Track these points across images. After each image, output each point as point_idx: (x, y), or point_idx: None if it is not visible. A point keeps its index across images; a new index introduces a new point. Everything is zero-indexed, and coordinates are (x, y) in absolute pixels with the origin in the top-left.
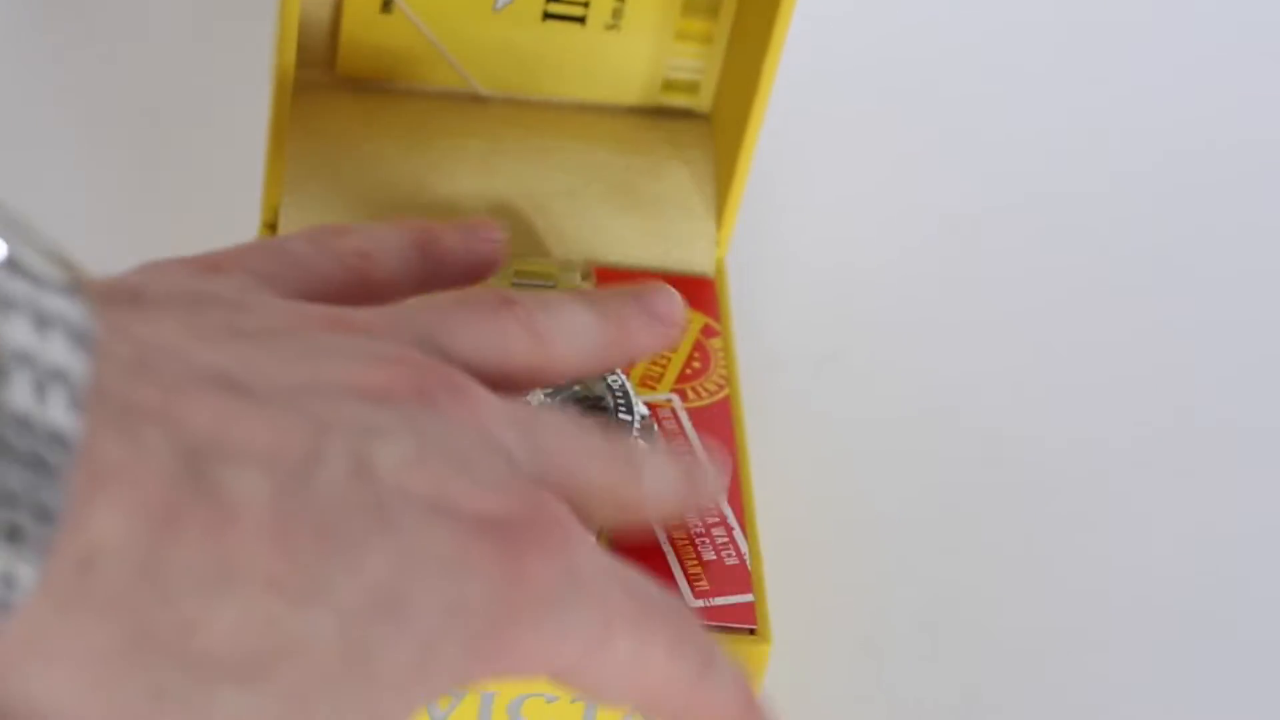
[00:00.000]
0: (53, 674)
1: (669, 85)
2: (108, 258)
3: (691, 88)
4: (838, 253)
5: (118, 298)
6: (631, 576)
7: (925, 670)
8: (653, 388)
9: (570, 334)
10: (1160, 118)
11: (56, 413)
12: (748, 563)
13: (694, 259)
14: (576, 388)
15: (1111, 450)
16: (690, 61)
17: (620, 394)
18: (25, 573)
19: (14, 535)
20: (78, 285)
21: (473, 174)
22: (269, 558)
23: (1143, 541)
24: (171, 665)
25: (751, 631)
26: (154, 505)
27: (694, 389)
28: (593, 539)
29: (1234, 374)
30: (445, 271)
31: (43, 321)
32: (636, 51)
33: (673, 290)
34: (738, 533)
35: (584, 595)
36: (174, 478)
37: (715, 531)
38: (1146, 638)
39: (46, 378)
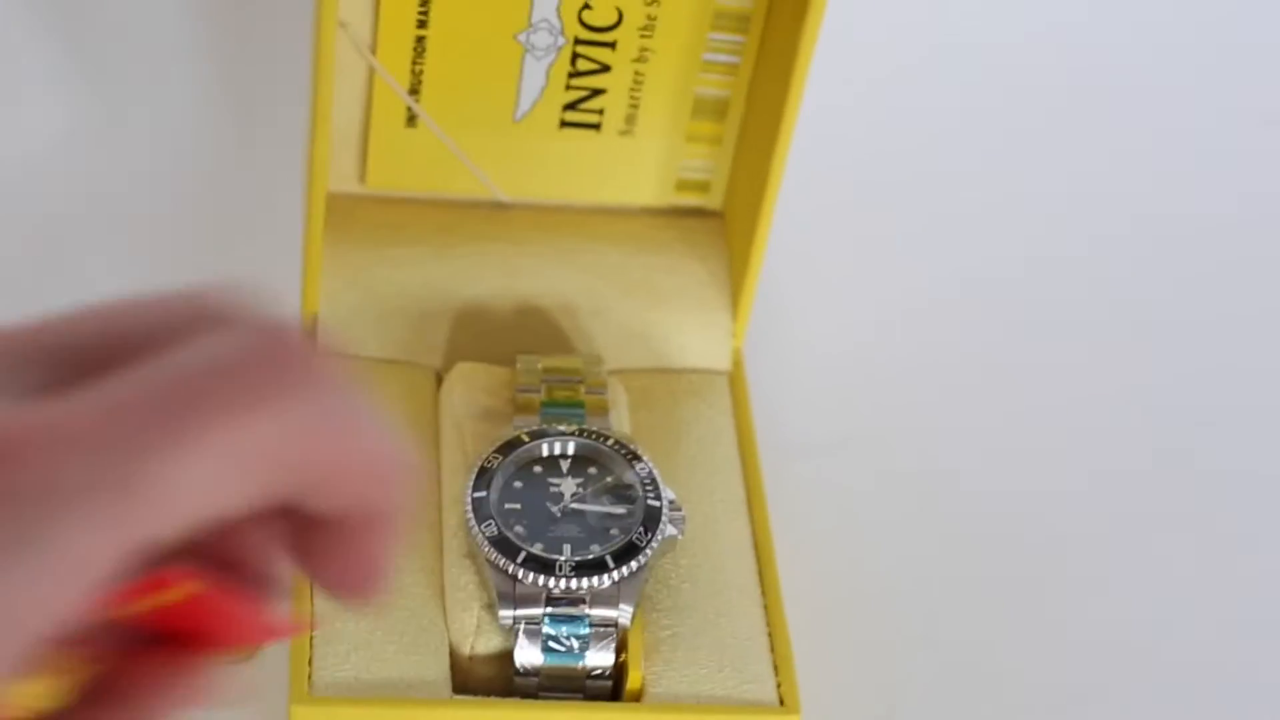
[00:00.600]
0: None
1: (681, 185)
2: None
3: (703, 187)
4: (846, 335)
5: None
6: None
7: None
8: None
9: None
10: (1152, 182)
11: None
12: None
13: (711, 350)
14: (612, 481)
15: (1121, 506)
16: (701, 162)
17: (649, 481)
18: None
19: None
20: None
21: (498, 277)
22: None
23: (1155, 595)
24: None
25: (780, 704)
26: None
27: None
28: None
29: (1241, 424)
30: None
31: None
32: (650, 155)
33: None
34: None
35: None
36: None
37: None
38: (1163, 692)
39: None
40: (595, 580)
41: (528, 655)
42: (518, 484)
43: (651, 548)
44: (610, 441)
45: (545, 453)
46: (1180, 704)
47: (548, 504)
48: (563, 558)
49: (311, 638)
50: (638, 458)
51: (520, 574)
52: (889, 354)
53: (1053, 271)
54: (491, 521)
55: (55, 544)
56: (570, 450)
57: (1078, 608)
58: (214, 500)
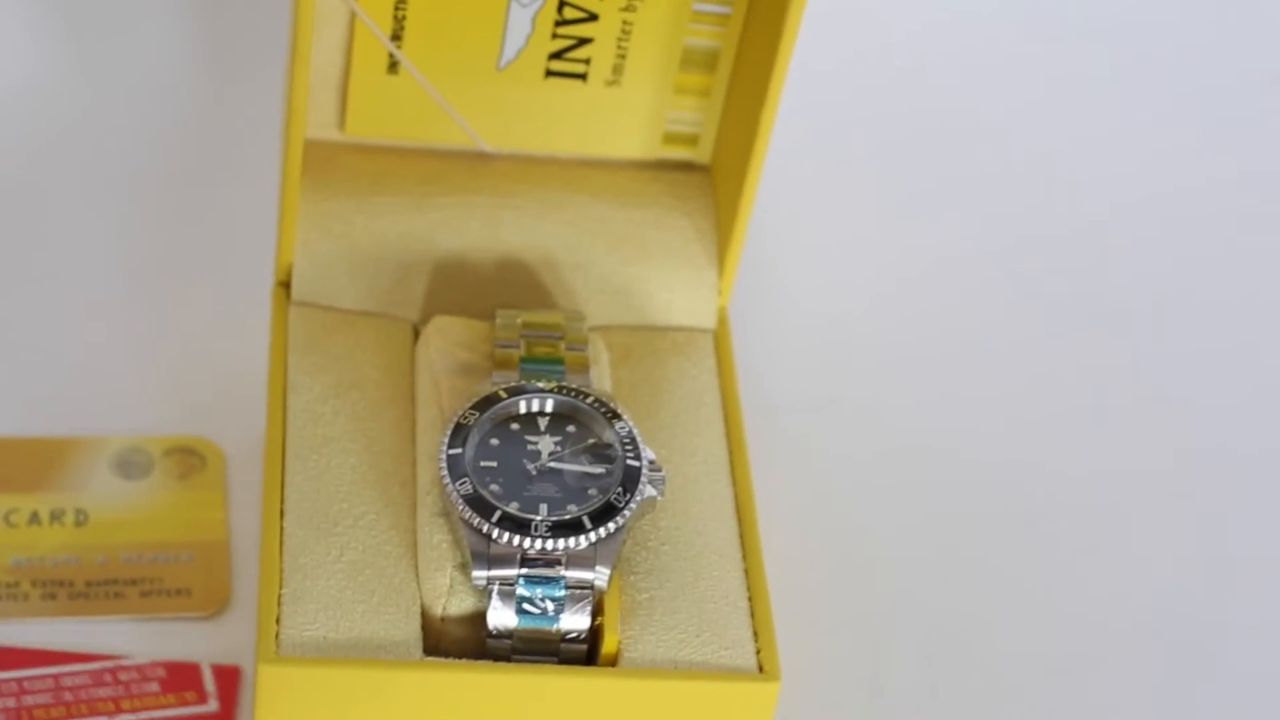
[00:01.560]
0: None
1: (669, 138)
2: (125, 320)
3: (691, 140)
4: (835, 297)
5: None
6: None
7: (931, 703)
8: None
9: None
10: (1148, 152)
11: None
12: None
13: (696, 308)
14: (591, 440)
15: (1108, 478)
16: (689, 115)
17: (628, 440)
18: None
19: None
20: None
21: (479, 229)
22: None
23: (1141, 567)
24: None
25: (760, 670)
26: None
27: None
28: None
29: (1228, 397)
30: None
31: None
32: (637, 106)
33: None
34: None
35: None
36: None
37: None
38: (1148, 664)
39: None
40: (572, 541)
41: (501, 617)
42: (494, 441)
43: (630, 508)
44: (590, 399)
45: (523, 410)
46: (1162, 673)
47: (524, 461)
48: (539, 517)
49: (280, 595)
50: (617, 416)
51: (495, 534)
52: (876, 316)
53: (1047, 238)
54: (466, 479)
55: None
56: (549, 407)
57: (1064, 575)
58: None
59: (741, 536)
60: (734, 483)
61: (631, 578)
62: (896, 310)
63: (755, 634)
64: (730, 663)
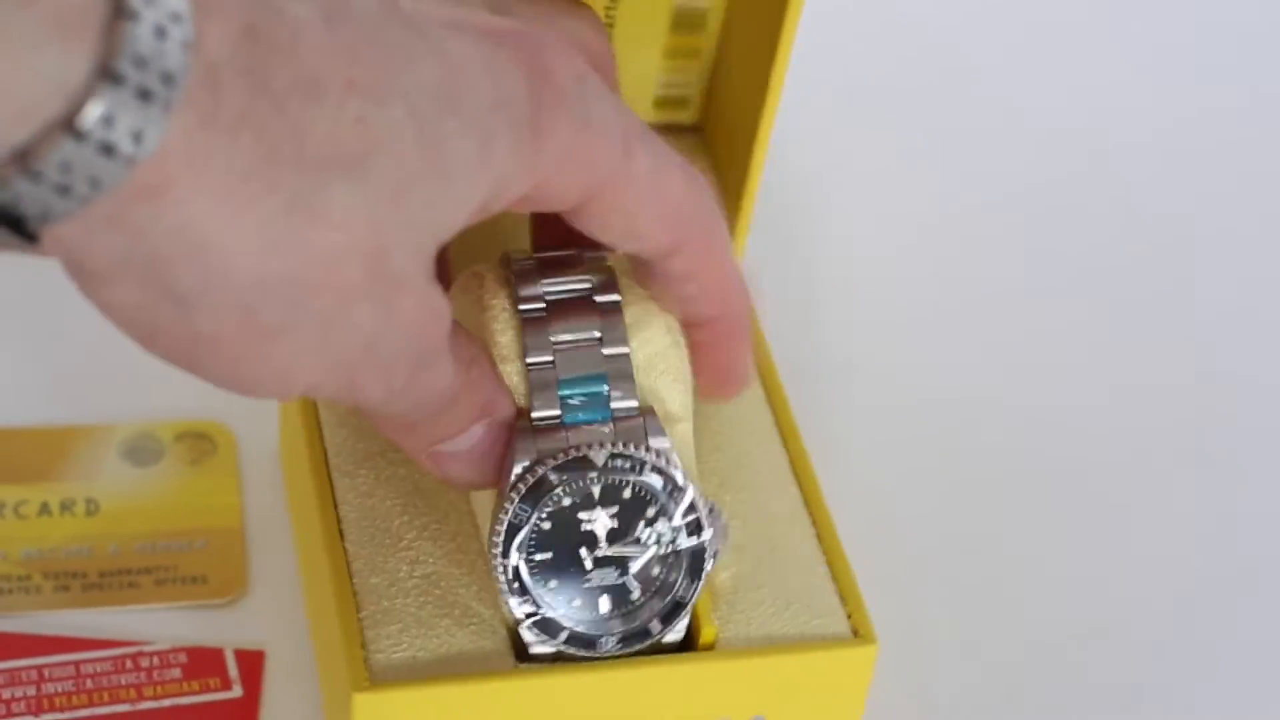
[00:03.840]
0: (203, 202)
1: (659, 102)
2: None
3: (681, 103)
4: (847, 256)
5: None
6: (623, 103)
7: (958, 665)
8: None
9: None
10: (1169, 100)
11: None
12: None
13: None
14: (650, 512)
15: (1133, 437)
16: (678, 77)
17: (690, 516)
18: (154, 127)
19: (144, 96)
20: None
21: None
22: (341, 64)
23: (1163, 528)
24: (293, 172)
25: (854, 635)
26: (241, 25)
27: None
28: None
29: (1251, 359)
30: None
31: None
32: (628, 71)
33: None
34: None
35: (600, 98)
36: (248, 6)
37: None
38: (1163, 628)
39: None
40: (642, 645)
41: None
42: (545, 525)
43: (696, 595)
44: (645, 471)
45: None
46: (1172, 638)
47: (580, 549)
48: (607, 640)
49: (359, 620)
50: (678, 488)
51: (564, 650)
52: (888, 272)
53: (1061, 185)
54: (528, 597)
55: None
56: (598, 493)
57: (1084, 535)
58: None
59: (806, 502)
60: (786, 448)
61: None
62: (908, 269)
63: (843, 599)
64: (824, 631)
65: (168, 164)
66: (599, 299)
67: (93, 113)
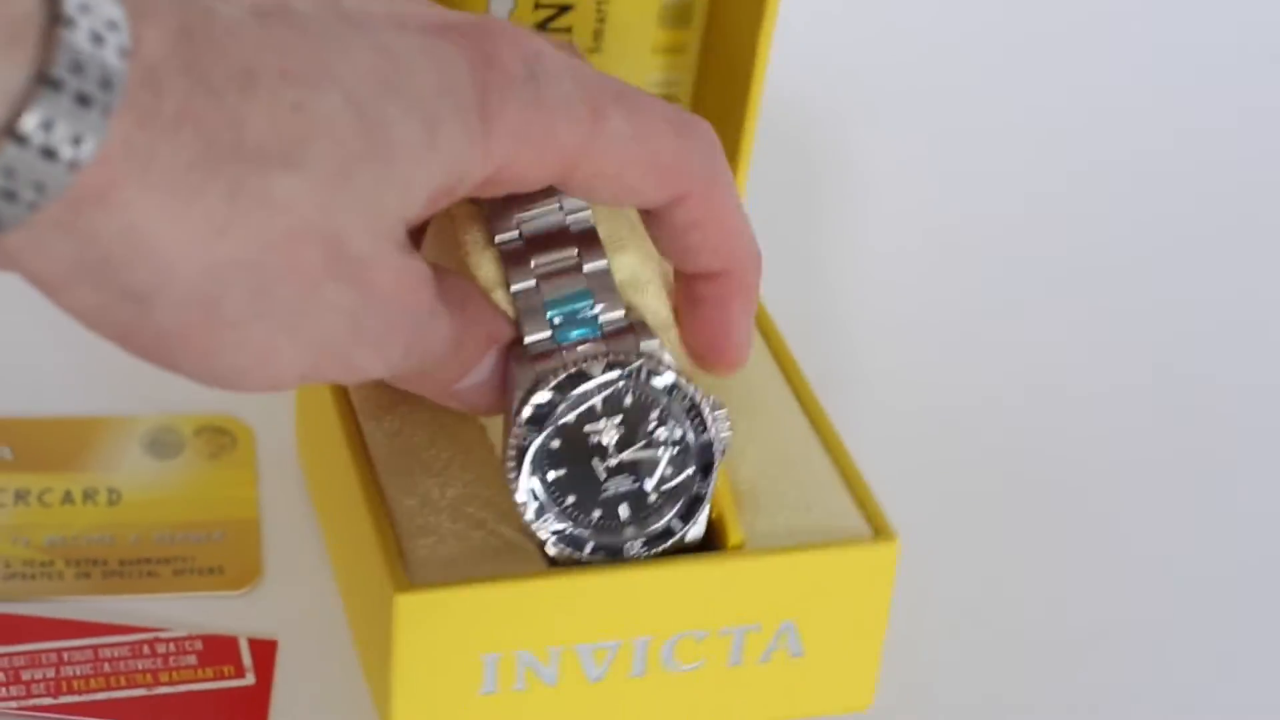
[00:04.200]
0: (148, 199)
1: None
2: None
3: (669, 100)
4: (836, 256)
5: None
6: (596, 71)
7: (954, 674)
8: None
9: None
10: (1179, 105)
11: (107, 4)
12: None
13: None
14: (654, 416)
15: (1130, 444)
16: (671, 75)
17: (693, 411)
18: (93, 131)
19: (83, 101)
20: None
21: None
22: (274, 56)
23: (1159, 534)
24: (234, 161)
25: (875, 533)
26: (177, 26)
27: None
28: (549, 42)
29: (1253, 366)
30: None
31: None
32: (618, 71)
33: None
34: None
35: (557, 76)
36: (179, 4)
37: None
38: (1165, 632)
39: None
40: (668, 544)
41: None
42: (555, 443)
43: (712, 487)
44: (643, 376)
45: (581, 409)
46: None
47: (592, 461)
48: (631, 545)
49: (395, 534)
50: (674, 387)
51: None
52: (881, 276)
53: (1068, 188)
54: (547, 516)
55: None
56: (601, 405)
57: (1081, 542)
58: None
59: (808, 415)
60: (781, 367)
61: (727, 469)
62: (903, 275)
63: (860, 504)
64: (846, 531)
65: (111, 166)
66: (572, 223)
67: (31, 118)
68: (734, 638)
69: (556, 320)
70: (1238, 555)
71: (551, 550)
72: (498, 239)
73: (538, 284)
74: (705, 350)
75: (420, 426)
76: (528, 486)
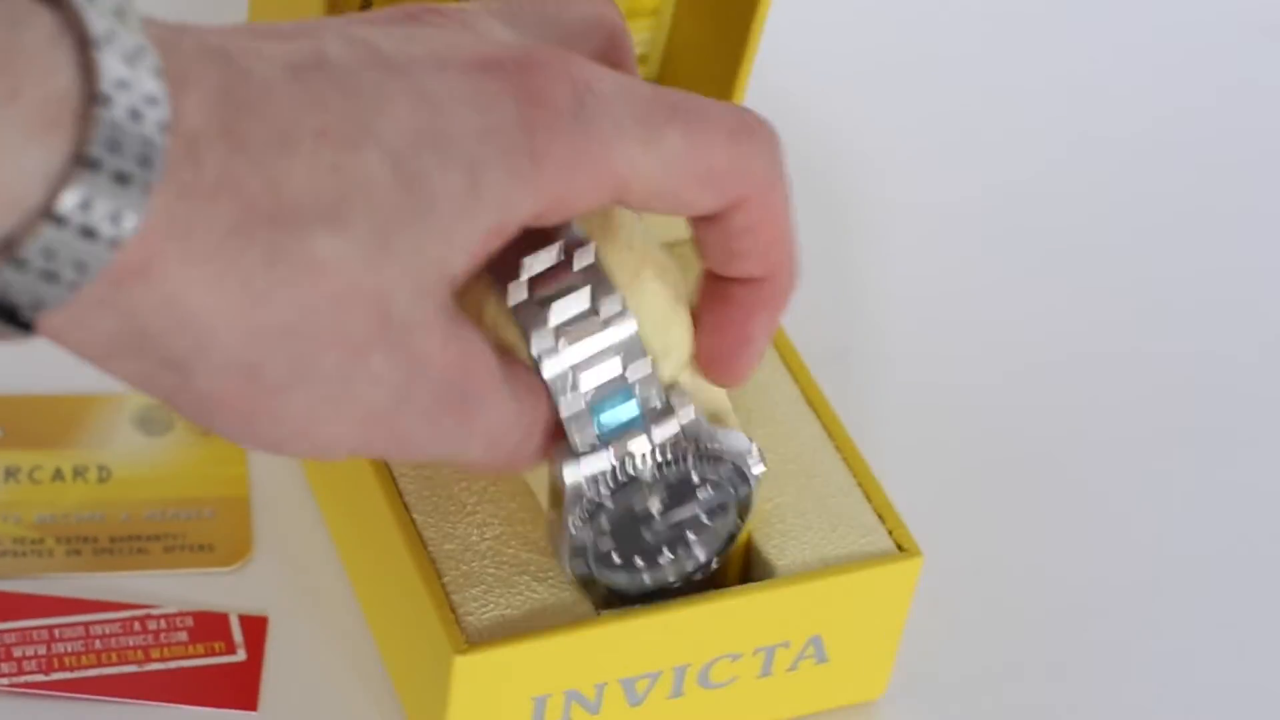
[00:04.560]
0: (186, 270)
1: None
2: None
3: (641, 60)
4: (839, 248)
5: None
6: (651, 85)
7: (960, 659)
8: None
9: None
10: (1191, 89)
11: (147, 79)
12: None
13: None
14: (697, 480)
15: (1127, 437)
16: (641, 35)
17: (737, 469)
18: (133, 208)
19: (121, 179)
20: None
21: None
22: (311, 115)
23: (1178, 529)
24: (272, 224)
25: (899, 549)
26: (216, 88)
27: None
28: (599, 65)
29: (1255, 352)
30: None
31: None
32: None
33: None
34: None
35: (608, 102)
36: (218, 67)
37: None
38: (1168, 626)
39: (133, 52)
40: (700, 574)
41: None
42: (605, 523)
43: (745, 526)
44: (689, 457)
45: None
46: (1216, 590)
47: (639, 528)
48: (671, 579)
49: (442, 585)
50: (719, 459)
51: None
52: (885, 259)
53: (1059, 175)
54: (597, 586)
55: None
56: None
57: (1077, 530)
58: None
59: (828, 431)
60: (798, 383)
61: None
62: (902, 263)
63: (881, 518)
64: (872, 549)
65: (151, 240)
66: (603, 311)
67: (70, 198)
68: (765, 655)
69: (602, 416)
70: (1260, 539)
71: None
72: (511, 302)
73: (579, 379)
74: (717, 358)
75: None
76: (580, 573)
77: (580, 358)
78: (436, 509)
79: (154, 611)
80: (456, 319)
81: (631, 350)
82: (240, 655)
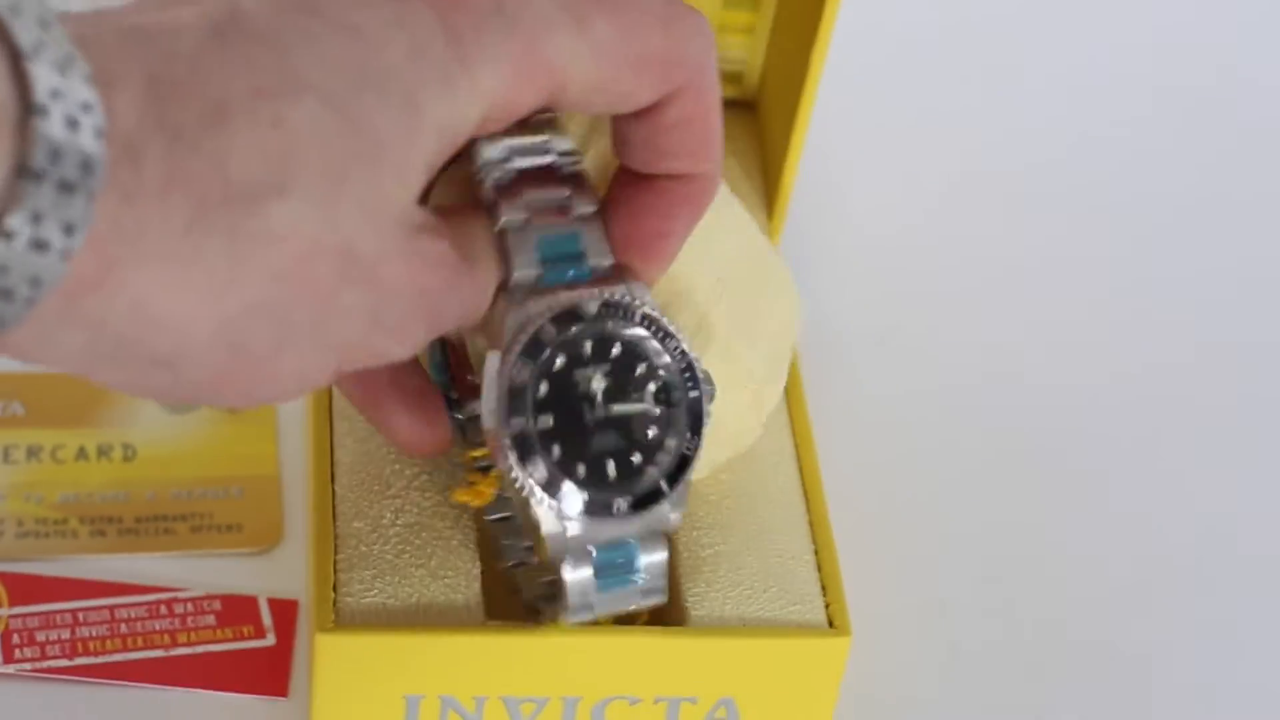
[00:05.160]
0: (148, 273)
1: None
2: None
3: (735, 78)
4: (884, 236)
5: None
6: None
7: (995, 624)
8: None
9: None
10: (1201, 72)
11: (80, 87)
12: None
13: None
14: (642, 367)
15: (1166, 404)
16: (734, 53)
17: (684, 366)
18: (81, 216)
19: (66, 188)
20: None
21: None
22: (242, 77)
23: (1199, 487)
24: (226, 208)
25: (830, 625)
26: (143, 79)
27: None
28: None
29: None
30: None
31: None
32: None
33: None
34: None
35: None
36: (140, 53)
37: None
38: (1205, 577)
39: (63, 61)
40: (654, 514)
41: (578, 575)
42: (543, 388)
43: (700, 449)
44: (637, 317)
45: (571, 353)
46: (1223, 588)
47: (580, 412)
48: (619, 503)
49: (335, 562)
50: (669, 335)
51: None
52: (926, 253)
53: (1096, 158)
54: (535, 464)
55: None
56: (590, 350)
57: (1122, 501)
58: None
59: (805, 490)
60: (794, 433)
61: (695, 533)
62: (945, 245)
63: (824, 588)
64: (799, 618)
65: (103, 248)
66: (563, 168)
67: (17, 211)
68: (668, 706)
69: (548, 259)
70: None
71: (537, 509)
72: (489, 176)
73: (528, 220)
74: (633, 243)
75: None
76: (517, 432)
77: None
78: (360, 485)
79: (181, 594)
80: (416, 232)
81: (593, 225)
82: (270, 640)
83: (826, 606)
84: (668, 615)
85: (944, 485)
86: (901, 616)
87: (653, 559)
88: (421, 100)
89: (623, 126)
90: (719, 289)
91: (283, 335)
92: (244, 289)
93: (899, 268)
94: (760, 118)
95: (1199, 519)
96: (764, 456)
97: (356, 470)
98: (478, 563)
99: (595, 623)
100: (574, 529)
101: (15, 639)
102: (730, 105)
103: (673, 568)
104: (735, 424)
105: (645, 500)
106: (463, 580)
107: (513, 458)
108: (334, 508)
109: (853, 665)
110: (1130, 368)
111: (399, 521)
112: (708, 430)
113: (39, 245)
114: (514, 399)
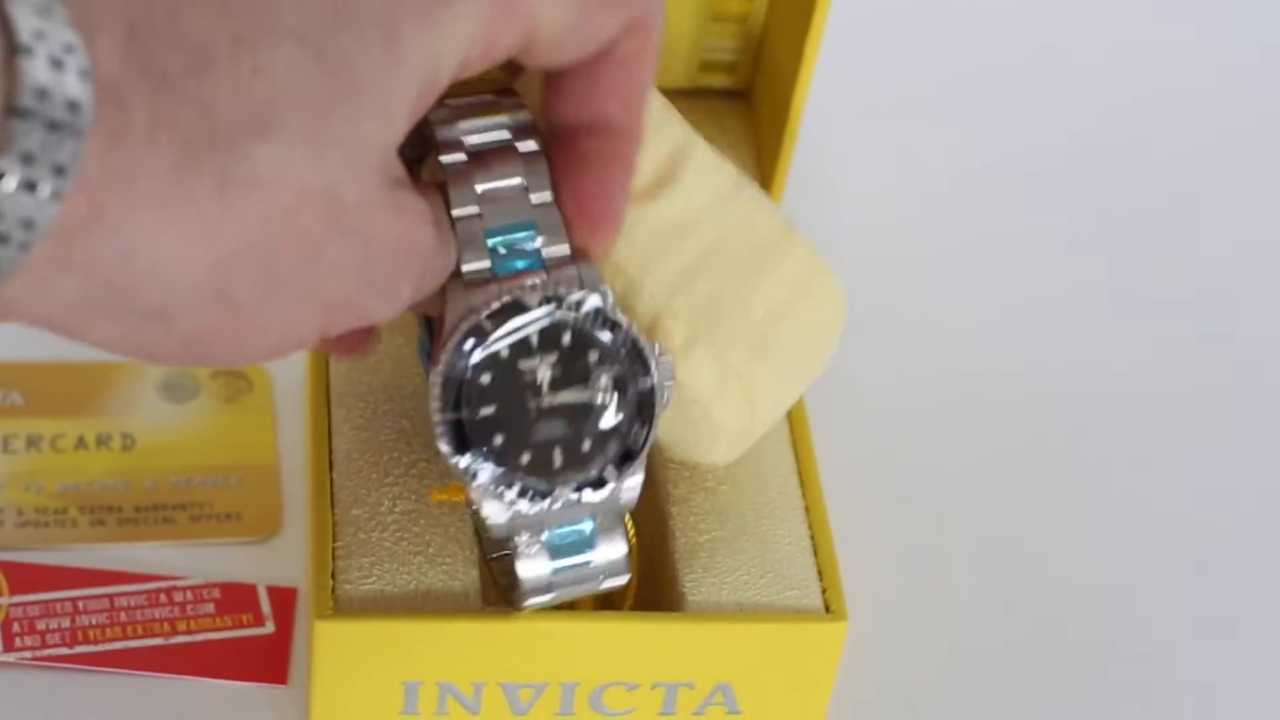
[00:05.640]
0: (139, 217)
1: (705, 66)
2: None
3: (729, 68)
4: (877, 224)
5: None
6: None
7: (991, 609)
8: None
9: None
10: (1212, 53)
11: (61, 29)
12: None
13: None
14: (591, 355)
15: (1165, 392)
16: (726, 42)
17: (633, 354)
18: (70, 155)
19: (54, 127)
20: None
21: None
22: (221, 24)
23: (1200, 479)
24: (214, 151)
25: (826, 610)
26: (124, 26)
27: None
28: None
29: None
30: None
31: None
32: (676, 36)
33: None
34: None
35: None
36: (122, 4)
37: None
38: (1205, 570)
39: (43, 5)
40: (600, 495)
41: (534, 568)
42: (485, 378)
43: (650, 441)
44: (586, 308)
45: (515, 343)
46: (1222, 582)
47: (525, 398)
48: (562, 490)
49: (334, 550)
50: (615, 325)
51: (522, 508)
52: (921, 242)
53: (1095, 147)
54: (473, 453)
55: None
56: (537, 341)
57: (1121, 492)
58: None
59: (800, 472)
60: (790, 419)
61: (692, 519)
62: (938, 232)
63: (820, 573)
64: (795, 603)
65: (94, 190)
66: (520, 146)
67: (7, 152)
68: (666, 691)
69: (499, 250)
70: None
71: (475, 495)
72: (442, 158)
73: (481, 212)
74: (582, 215)
75: (390, 421)
76: (451, 420)
77: (489, 196)
78: (358, 473)
79: (180, 583)
80: (395, 186)
81: (548, 213)
82: (269, 627)
83: (823, 592)
84: (665, 601)
85: (939, 473)
86: (898, 602)
87: (611, 544)
88: (401, 38)
89: (559, 74)
90: (687, 275)
91: (270, 285)
92: (233, 233)
93: (893, 257)
94: (754, 108)
95: (1196, 503)
96: (760, 443)
97: (355, 458)
98: (475, 549)
99: (558, 607)
100: (503, 515)
101: (15, 627)
102: (724, 95)
103: (669, 553)
104: (720, 413)
105: (589, 486)
106: (460, 567)
107: (448, 446)
108: (332, 495)
109: (849, 650)
110: (1128, 359)
111: (397, 509)
112: (659, 416)
113: (29, 185)
114: (450, 389)
